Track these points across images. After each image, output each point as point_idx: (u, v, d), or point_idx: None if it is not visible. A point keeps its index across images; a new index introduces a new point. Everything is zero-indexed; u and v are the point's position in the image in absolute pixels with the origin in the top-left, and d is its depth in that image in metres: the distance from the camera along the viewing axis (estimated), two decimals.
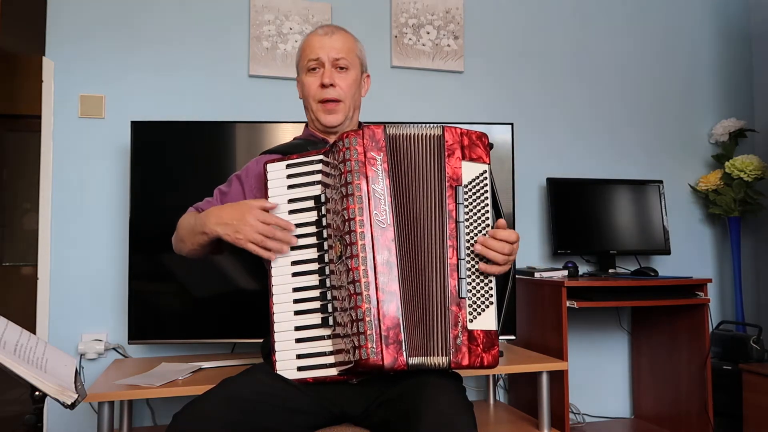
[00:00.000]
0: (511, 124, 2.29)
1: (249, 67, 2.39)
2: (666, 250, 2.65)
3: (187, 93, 2.33)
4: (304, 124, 1.56)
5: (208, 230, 1.29)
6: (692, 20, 3.01)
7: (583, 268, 2.63)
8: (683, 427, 2.39)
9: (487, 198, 1.24)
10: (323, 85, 1.43)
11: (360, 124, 1.54)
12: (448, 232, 1.20)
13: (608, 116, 2.84)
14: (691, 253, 2.88)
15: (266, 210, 1.27)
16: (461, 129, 1.26)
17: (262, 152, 1.54)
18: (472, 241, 1.21)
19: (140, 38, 2.31)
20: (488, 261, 1.21)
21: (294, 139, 1.57)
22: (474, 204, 1.23)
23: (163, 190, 2.08)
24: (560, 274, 2.34)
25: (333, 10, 2.48)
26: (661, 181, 2.70)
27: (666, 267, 2.77)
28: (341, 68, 1.44)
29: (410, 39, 2.56)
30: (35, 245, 2.16)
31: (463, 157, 1.23)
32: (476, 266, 1.21)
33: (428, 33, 2.59)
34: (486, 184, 1.24)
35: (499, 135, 2.26)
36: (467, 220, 1.21)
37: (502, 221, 1.24)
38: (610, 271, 2.56)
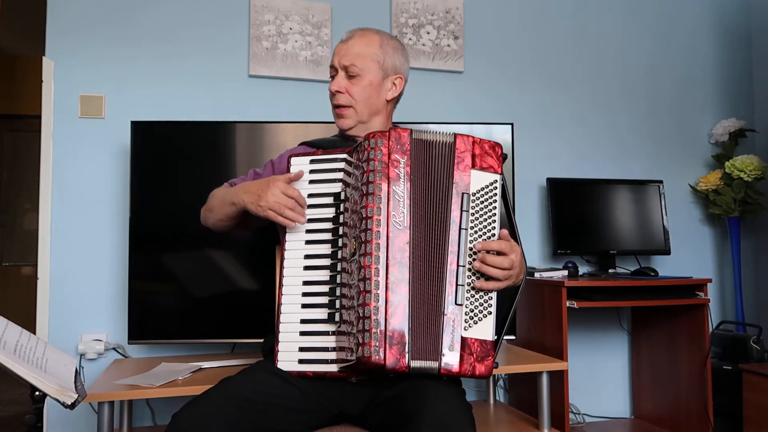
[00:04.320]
0: (511, 124, 2.29)
1: (249, 67, 2.39)
2: (666, 250, 2.65)
3: (187, 93, 2.33)
4: None
5: (237, 200, 1.35)
6: (692, 20, 3.01)
7: (583, 268, 2.63)
8: (683, 427, 2.39)
9: (495, 208, 1.25)
10: (332, 92, 1.48)
11: (394, 125, 1.55)
12: (450, 238, 1.21)
13: (608, 116, 2.84)
14: (691, 253, 2.88)
15: (291, 181, 1.31)
16: (473, 138, 1.27)
17: (300, 143, 1.59)
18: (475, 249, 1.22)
19: (140, 38, 2.31)
20: (488, 278, 1.21)
21: (334, 135, 1.61)
22: (481, 213, 1.24)
23: (163, 190, 2.08)
24: (560, 274, 2.34)
25: (333, 10, 2.48)
26: (661, 181, 2.70)
27: (666, 267, 2.77)
28: (352, 75, 1.45)
29: (410, 39, 2.56)
30: (35, 245, 2.16)
31: (473, 166, 1.25)
32: (477, 274, 1.21)
33: (428, 33, 2.58)
34: (495, 194, 1.25)
35: (499, 135, 2.26)
36: (473, 228, 1.22)
37: (503, 231, 1.24)
38: (610, 271, 2.56)
